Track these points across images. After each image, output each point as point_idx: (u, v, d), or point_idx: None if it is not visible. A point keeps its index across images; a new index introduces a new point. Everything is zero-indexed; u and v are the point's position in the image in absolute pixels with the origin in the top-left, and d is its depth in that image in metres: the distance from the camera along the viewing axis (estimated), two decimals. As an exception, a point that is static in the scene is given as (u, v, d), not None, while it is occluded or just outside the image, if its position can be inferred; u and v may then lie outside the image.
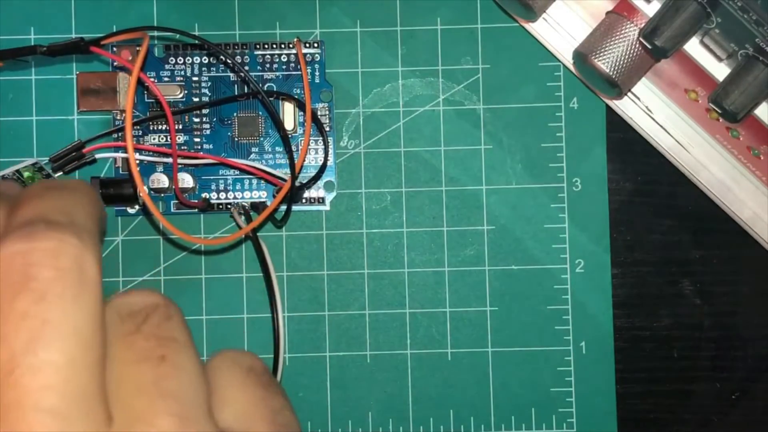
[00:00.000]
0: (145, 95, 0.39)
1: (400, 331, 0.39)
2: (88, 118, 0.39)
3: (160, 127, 0.39)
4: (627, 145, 0.40)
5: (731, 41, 0.35)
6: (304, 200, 0.39)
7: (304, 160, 0.38)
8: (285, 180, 0.37)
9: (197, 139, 0.39)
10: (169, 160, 0.38)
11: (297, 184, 0.38)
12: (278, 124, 0.37)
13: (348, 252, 0.39)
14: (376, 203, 0.39)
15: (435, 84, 0.39)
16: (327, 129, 0.39)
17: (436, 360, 0.39)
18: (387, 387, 0.39)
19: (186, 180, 0.38)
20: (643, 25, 0.35)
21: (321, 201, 0.39)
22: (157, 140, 0.39)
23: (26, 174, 0.35)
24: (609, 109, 0.39)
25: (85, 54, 0.34)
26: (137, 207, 0.39)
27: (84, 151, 0.37)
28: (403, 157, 0.39)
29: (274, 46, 0.39)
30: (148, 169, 0.39)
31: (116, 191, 0.38)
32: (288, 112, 0.39)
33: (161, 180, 0.38)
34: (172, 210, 0.39)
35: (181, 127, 0.39)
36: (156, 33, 0.39)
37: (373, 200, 0.39)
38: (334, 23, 0.39)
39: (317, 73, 0.39)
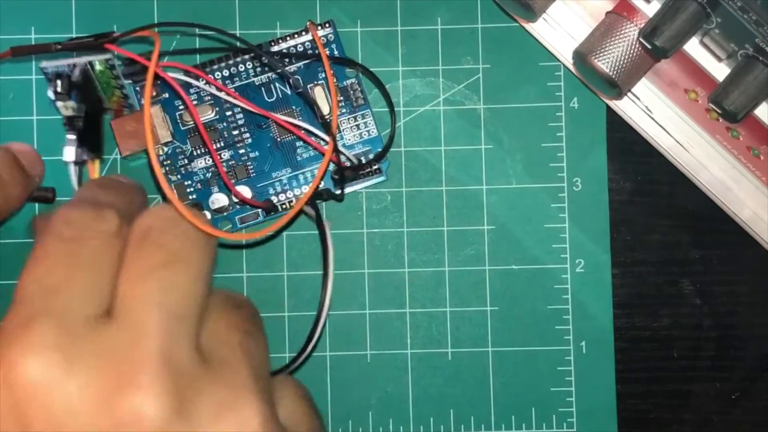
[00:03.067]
0: (180, 124, 0.39)
1: (400, 331, 0.39)
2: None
3: (204, 149, 0.39)
4: (627, 145, 0.40)
5: (731, 41, 0.35)
6: (366, 174, 0.39)
7: (335, 132, 0.38)
8: (326, 142, 0.37)
9: (242, 150, 0.39)
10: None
11: (357, 161, 0.38)
12: (314, 110, 0.37)
13: (348, 252, 0.39)
14: (376, 203, 0.39)
15: (435, 84, 0.39)
16: (362, 102, 0.39)
17: (436, 360, 0.39)
18: (387, 387, 0.39)
19: (244, 191, 0.38)
20: (643, 25, 0.35)
21: (378, 171, 0.39)
22: (203, 163, 0.39)
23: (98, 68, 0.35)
24: (609, 109, 0.39)
25: (99, 51, 0.35)
26: None
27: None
28: (403, 157, 0.39)
29: (288, 38, 0.39)
30: (204, 192, 0.39)
31: None
32: (320, 98, 0.39)
33: (220, 200, 0.38)
34: (239, 225, 0.39)
35: (222, 144, 0.39)
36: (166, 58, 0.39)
37: (373, 200, 0.39)
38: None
39: (336, 52, 0.39)
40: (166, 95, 0.39)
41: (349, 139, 0.39)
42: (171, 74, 0.37)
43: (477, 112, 0.39)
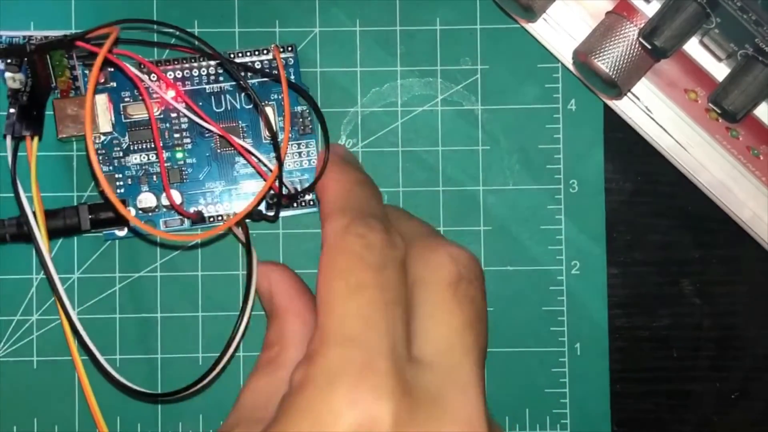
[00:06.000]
0: (122, 116, 0.38)
1: (398, 329, 0.39)
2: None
3: (142, 146, 0.38)
4: (627, 146, 0.39)
5: (731, 41, 0.35)
6: (300, 203, 0.39)
7: (284, 159, 0.38)
8: (271, 170, 0.37)
9: (179, 155, 0.38)
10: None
11: (293, 189, 0.38)
12: (268, 126, 0.37)
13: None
14: (376, 202, 0.39)
15: (434, 84, 0.39)
16: (309, 131, 0.39)
17: (434, 359, 0.39)
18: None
19: (174, 196, 0.38)
20: (642, 25, 0.35)
21: (313, 203, 0.39)
22: (139, 159, 0.38)
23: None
24: (608, 109, 0.39)
25: (69, 50, 0.35)
26: (126, 229, 0.38)
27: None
28: (401, 157, 0.39)
29: (248, 53, 0.38)
30: (133, 189, 0.38)
31: (105, 216, 0.37)
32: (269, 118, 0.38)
33: (149, 199, 0.38)
34: (162, 228, 0.38)
35: (161, 144, 0.38)
36: (156, 50, 0.39)
37: (372, 199, 0.39)
38: (333, 22, 0.39)
39: (292, 77, 0.39)
40: (114, 84, 0.38)
41: (289, 165, 0.39)
42: (126, 65, 0.37)
43: (475, 113, 0.39)
